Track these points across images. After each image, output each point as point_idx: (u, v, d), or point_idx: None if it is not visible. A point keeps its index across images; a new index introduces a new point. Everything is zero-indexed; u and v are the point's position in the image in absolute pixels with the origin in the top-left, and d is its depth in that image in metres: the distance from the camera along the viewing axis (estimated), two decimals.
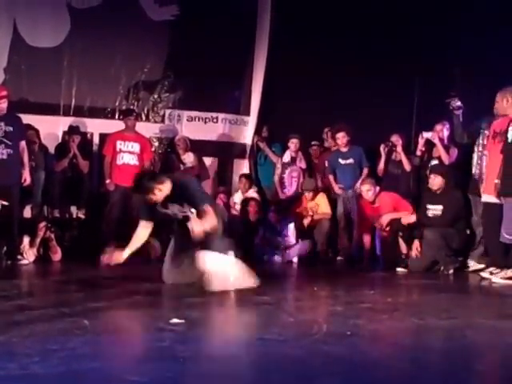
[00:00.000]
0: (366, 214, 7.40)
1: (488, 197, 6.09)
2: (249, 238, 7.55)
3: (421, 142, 7.61)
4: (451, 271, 6.58)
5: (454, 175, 7.14)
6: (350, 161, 7.86)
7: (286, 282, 6.33)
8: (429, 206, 6.89)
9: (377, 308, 4.59)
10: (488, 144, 6.37)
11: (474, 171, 6.78)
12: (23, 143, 6.61)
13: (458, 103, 6.88)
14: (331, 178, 8.00)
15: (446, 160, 7.30)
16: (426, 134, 7.53)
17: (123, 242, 5.14)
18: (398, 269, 6.75)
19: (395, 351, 3.32)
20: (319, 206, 7.89)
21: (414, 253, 6.74)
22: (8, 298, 4.40)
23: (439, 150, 7.37)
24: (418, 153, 7.72)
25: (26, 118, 7.22)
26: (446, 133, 7.50)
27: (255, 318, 4.02)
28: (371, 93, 8.45)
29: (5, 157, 6.39)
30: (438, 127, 7.48)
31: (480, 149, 6.73)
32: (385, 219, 7.10)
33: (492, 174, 6.02)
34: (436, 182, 6.89)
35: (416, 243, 6.74)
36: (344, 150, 7.90)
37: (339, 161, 7.94)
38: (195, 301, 4.53)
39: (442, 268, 6.62)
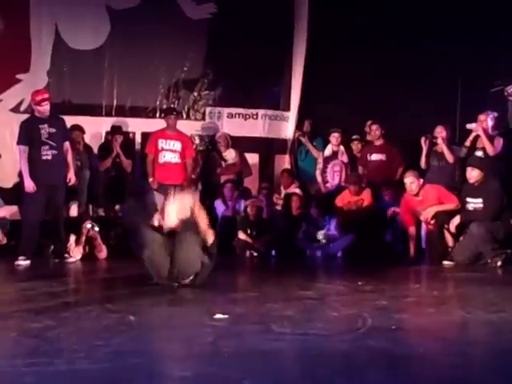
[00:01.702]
0: (410, 206, 7.29)
1: None
2: (291, 232, 7.55)
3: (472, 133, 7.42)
4: (499, 263, 6.44)
5: (498, 167, 6.97)
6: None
7: (330, 276, 6.29)
8: (468, 200, 6.74)
9: (423, 302, 4.54)
10: None
11: None
12: (67, 144, 6.72)
13: None
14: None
15: (490, 151, 7.13)
16: (470, 126, 7.37)
17: None
18: (445, 262, 6.64)
19: (441, 345, 3.26)
20: (364, 200, 7.87)
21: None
22: (55, 295, 4.49)
23: (483, 141, 7.21)
24: (467, 143, 7.54)
25: (70, 120, 7.35)
26: (490, 123, 7.32)
27: (299, 312, 4.00)
28: (414, 85, 8.35)
29: (49, 157, 6.50)
30: (482, 117, 7.31)
31: None
32: (430, 212, 6.98)
33: None
34: (473, 174, 6.71)
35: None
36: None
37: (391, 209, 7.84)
38: (239, 296, 4.54)
39: (489, 261, 6.49)
